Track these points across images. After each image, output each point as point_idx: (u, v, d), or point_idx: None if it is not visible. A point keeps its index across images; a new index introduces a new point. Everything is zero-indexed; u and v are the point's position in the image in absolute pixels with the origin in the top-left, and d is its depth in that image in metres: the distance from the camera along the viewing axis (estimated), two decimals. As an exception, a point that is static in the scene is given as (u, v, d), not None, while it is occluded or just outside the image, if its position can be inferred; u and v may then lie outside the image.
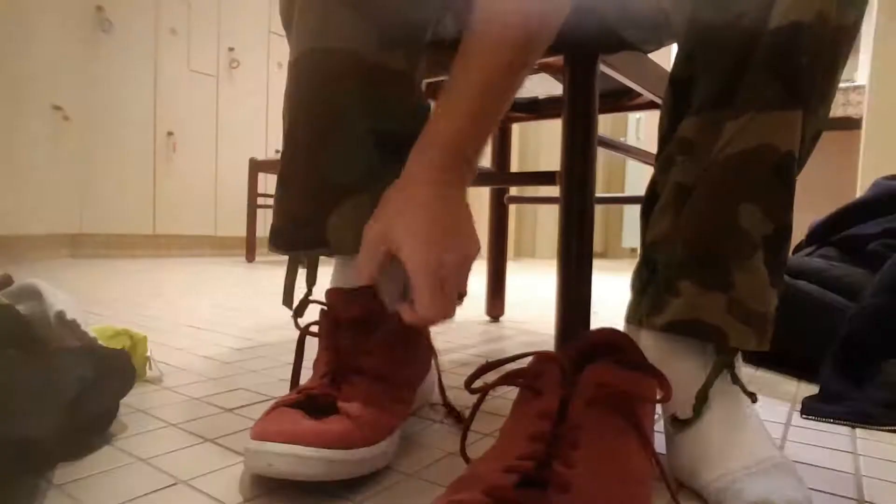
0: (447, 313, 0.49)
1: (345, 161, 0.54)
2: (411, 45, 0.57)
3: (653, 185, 0.54)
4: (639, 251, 0.56)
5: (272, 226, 0.58)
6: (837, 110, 2.43)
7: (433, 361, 0.61)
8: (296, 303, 0.60)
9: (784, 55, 0.44)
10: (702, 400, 0.46)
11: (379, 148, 0.55)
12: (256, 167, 2.85)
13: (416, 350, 0.57)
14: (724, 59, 0.47)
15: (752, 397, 0.47)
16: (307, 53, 0.54)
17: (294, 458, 0.40)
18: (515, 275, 2.73)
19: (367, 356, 0.50)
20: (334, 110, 0.54)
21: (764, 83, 0.45)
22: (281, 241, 0.57)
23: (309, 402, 0.47)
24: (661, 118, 0.54)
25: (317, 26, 0.54)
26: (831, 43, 0.45)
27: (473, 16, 0.51)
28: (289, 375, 0.59)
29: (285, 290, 0.60)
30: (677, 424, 0.47)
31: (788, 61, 0.44)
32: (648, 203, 0.55)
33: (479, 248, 0.51)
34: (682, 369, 0.48)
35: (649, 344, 0.50)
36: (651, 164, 0.99)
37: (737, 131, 0.46)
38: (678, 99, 0.52)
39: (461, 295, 0.51)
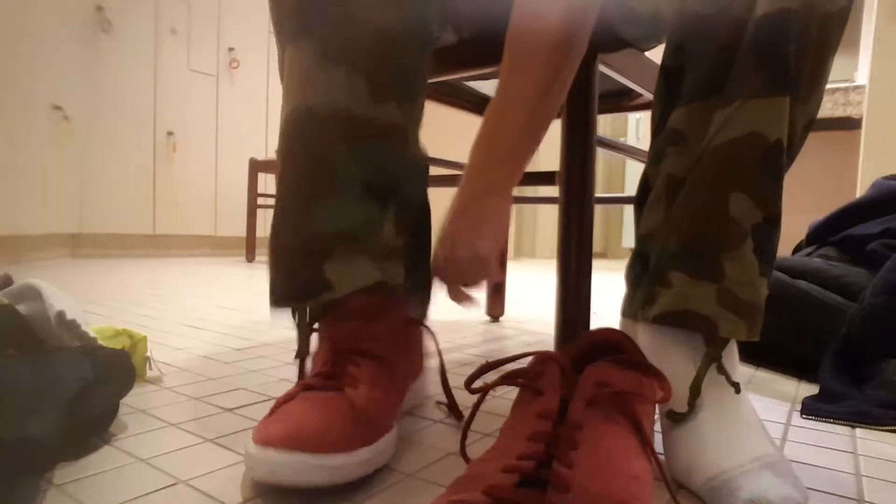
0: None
1: (338, 216, 0.52)
2: (405, 95, 0.56)
3: (645, 178, 0.55)
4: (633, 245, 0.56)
5: (270, 283, 0.55)
6: (837, 110, 2.43)
7: (439, 359, 0.61)
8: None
9: (771, 42, 0.44)
10: (695, 393, 0.46)
11: (375, 200, 0.54)
12: (256, 167, 2.85)
13: (412, 346, 0.57)
14: (712, 48, 0.47)
15: (736, 387, 0.47)
16: (294, 112, 0.53)
17: (299, 467, 0.40)
18: (515, 275, 2.73)
19: (373, 340, 0.50)
20: (324, 169, 0.52)
21: (751, 71, 0.44)
22: (278, 295, 0.54)
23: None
24: (653, 110, 0.55)
25: (304, 84, 0.53)
26: (819, 29, 0.44)
27: (511, 28, 0.52)
28: (289, 375, 0.59)
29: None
30: (674, 418, 0.47)
31: (775, 48, 0.44)
32: (641, 196, 0.55)
33: (487, 250, 0.55)
34: (675, 361, 0.48)
35: (644, 337, 0.51)
36: (651, 164, 0.99)
37: (725, 120, 0.46)
38: (669, 90, 0.52)
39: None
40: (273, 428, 0.42)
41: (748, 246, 0.46)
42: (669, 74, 0.52)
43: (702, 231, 0.47)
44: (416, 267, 0.59)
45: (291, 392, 0.47)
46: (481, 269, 0.55)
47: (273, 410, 0.45)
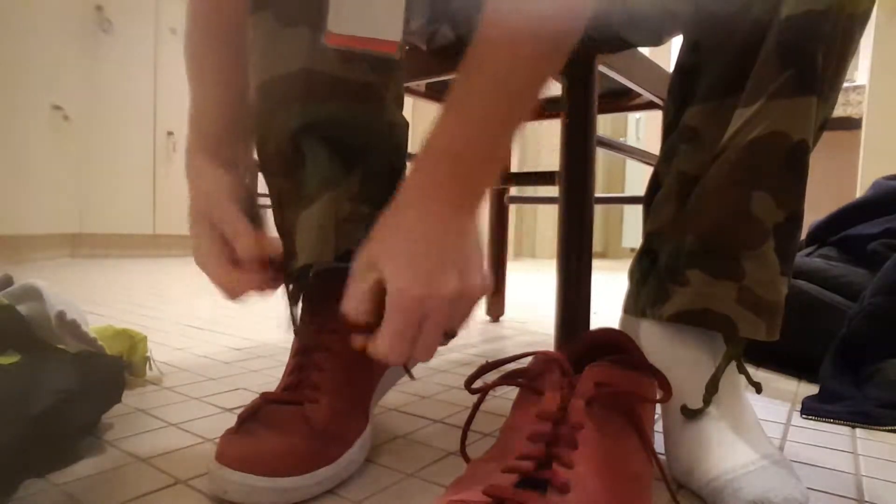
0: (418, 356, 0.41)
1: (307, 182, 0.50)
2: (377, 60, 0.52)
3: (656, 175, 0.54)
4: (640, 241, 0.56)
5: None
6: (837, 110, 2.43)
7: None
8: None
9: (798, 43, 0.44)
10: (712, 390, 0.46)
11: (339, 160, 0.51)
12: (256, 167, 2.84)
13: None
14: (731, 48, 0.47)
15: (758, 387, 0.47)
16: (258, 88, 0.51)
17: (248, 488, 0.40)
18: (515, 275, 2.73)
19: (337, 333, 0.49)
20: (291, 143, 0.50)
21: (776, 71, 0.44)
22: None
23: (269, 412, 0.45)
24: (667, 108, 0.54)
25: (264, 56, 0.50)
26: (844, 31, 0.45)
27: (484, 15, 0.43)
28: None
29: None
30: (688, 414, 0.47)
31: (802, 49, 0.44)
32: (651, 193, 0.55)
33: (484, 286, 0.42)
34: (690, 359, 0.48)
35: (653, 334, 0.50)
36: (651, 164, 1.00)
37: (747, 119, 0.45)
38: (684, 88, 0.52)
39: (449, 334, 0.43)
40: (229, 447, 0.42)
41: (769, 245, 0.46)
42: (684, 72, 0.52)
43: (722, 229, 0.47)
44: None
45: (255, 405, 0.46)
46: (466, 310, 0.42)
47: (237, 424, 0.44)
